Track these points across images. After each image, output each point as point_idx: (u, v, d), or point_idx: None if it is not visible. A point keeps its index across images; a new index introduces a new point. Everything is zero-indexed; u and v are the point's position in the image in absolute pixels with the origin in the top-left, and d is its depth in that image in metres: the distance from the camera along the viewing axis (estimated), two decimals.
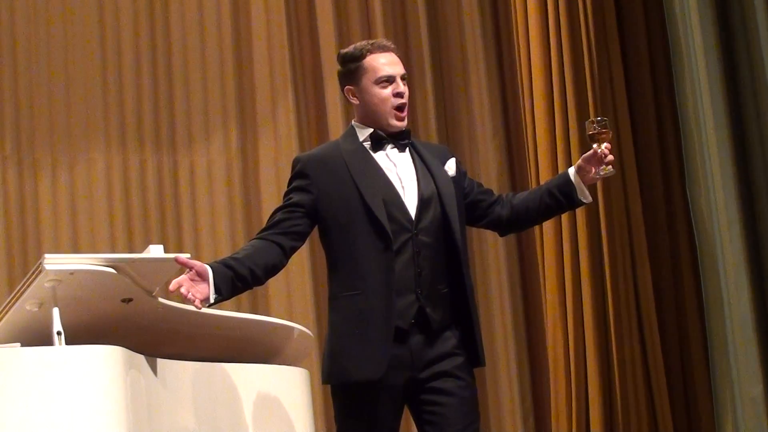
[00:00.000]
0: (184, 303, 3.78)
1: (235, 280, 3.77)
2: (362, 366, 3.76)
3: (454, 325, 3.84)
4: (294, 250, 3.93)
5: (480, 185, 4.13)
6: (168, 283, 3.75)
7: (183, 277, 3.69)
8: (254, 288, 3.99)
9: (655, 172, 7.09)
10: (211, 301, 3.71)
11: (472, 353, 3.86)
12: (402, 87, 3.96)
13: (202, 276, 3.71)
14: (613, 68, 7.01)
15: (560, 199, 4.00)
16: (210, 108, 7.43)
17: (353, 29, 7.50)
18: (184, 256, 3.74)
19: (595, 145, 3.94)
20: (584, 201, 4.01)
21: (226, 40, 7.47)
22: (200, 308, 3.70)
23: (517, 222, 4.09)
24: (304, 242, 3.97)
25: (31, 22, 7.26)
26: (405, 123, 3.97)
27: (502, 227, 4.11)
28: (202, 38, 7.47)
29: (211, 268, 3.73)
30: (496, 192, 4.19)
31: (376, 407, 3.77)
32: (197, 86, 7.43)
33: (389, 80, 3.96)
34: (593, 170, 3.94)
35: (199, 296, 3.67)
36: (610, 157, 3.92)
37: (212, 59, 7.46)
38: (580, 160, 3.97)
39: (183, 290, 3.65)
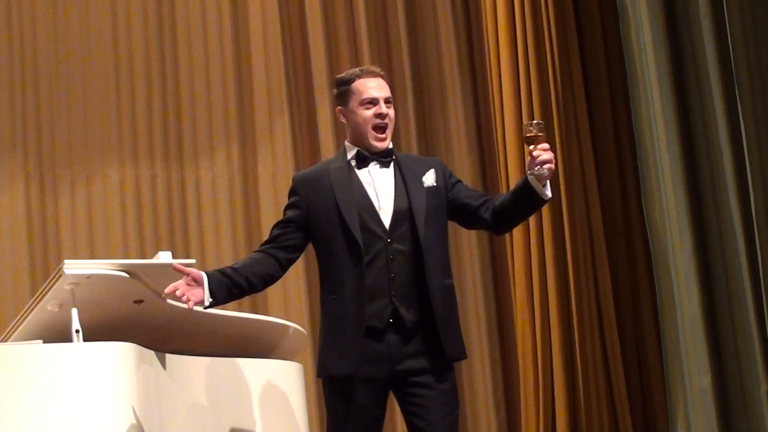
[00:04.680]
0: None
1: (231, 286, 3.78)
2: (340, 362, 3.77)
3: (430, 323, 3.80)
4: (290, 261, 3.94)
5: (468, 190, 4.03)
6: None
7: (179, 281, 3.70)
8: (252, 294, 3.99)
9: (614, 187, 7.11)
10: (206, 304, 3.72)
11: (453, 349, 3.84)
12: (384, 109, 3.92)
13: (197, 282, 3.71)
14: (575, 93, 7.04)
15: (524, 197, 3.85)
16: (214, 128, 7.42)
17: (342, 58, 7.51)
18: (181, 263, 3.76)
19: (531, 147, 3.75)
20: (543, 197, 3.82)
21: (229, 68, 7.46)
22: (191, 308, 3.69)
23: (501, 223, 3.97)
24: (300, 253, 3.97)
25: (52, 53, 7.24)
26: (385, 144, 3.93)
27: (490, 229, 4.02)
28: (206, 66, 7.46)
29: (207, 275, 3.74)
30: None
31: (359, 397, 3.77)
32: (202, 109, 7.42)
33: (373, 102, 3.91)
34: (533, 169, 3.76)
35: (194, 299, 3.67)
36: (543, 157, 3.75)
37: (216, 85, 7.45)
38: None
39: (178, 293, 3.66)
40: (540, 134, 3.76)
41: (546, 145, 3.77)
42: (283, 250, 3.90)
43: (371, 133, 3.91)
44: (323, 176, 3.94)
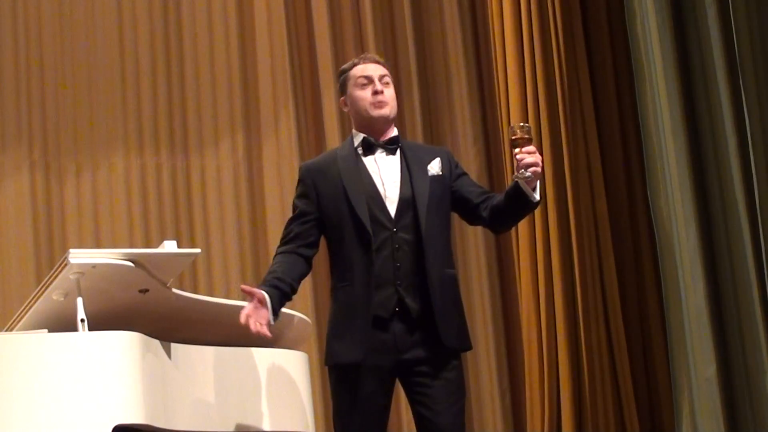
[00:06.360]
0: (256, 337, 3.76)
1: (283, 297, 3.82)
2: (348, 350, 3.79)
3: (435, 313, 3.80)
4: (313, 256, 3.98)
5: (472, 185, 4.03)
6: (181, 275, 3.76)
7: (249, 306, 3.71)
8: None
9: (619, 176, 7.09)
10: (272, 323, 3.75)
11: (452, 339, 3.83)
12: (379, 86, 3.93)
13: (262, 303, 3.74)
14: (581, 83, 7.02)
15: (514, 201, 3.83)
16: (219, 117, 7.42)
17: (348, 47, 7.49)
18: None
19: (516, 150, 3.70)
20: (532, 201, 3.79)
21: (234, 57, 7.45)
22: (270, 336, 3.72)
23: (497, 223, 3.98)
24: (318, 247, 4.00)
25: (57, 41, 7.24)
26: (385, 111, 3.92)
27: (488, 227, 4.05)
28: (212, 54, 7.45)
29: (268, 294, 3.75)
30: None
31: (364, 386, 3.78)
32: (207, 98, 7.42)
33: (368, 80, 3.94)
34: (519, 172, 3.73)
35: (263, 321, 3.72)
36: (527, 160, 3.71)
37: (221, 74, 7.45)
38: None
39: (251, 321, 3.67)
40: (525, 137, 3.72)
41: (531, 148, 3.73)
42: (307, 247, 3.94)
43: (371, 106, 3.92)
44: (331, 165, 3.95)
